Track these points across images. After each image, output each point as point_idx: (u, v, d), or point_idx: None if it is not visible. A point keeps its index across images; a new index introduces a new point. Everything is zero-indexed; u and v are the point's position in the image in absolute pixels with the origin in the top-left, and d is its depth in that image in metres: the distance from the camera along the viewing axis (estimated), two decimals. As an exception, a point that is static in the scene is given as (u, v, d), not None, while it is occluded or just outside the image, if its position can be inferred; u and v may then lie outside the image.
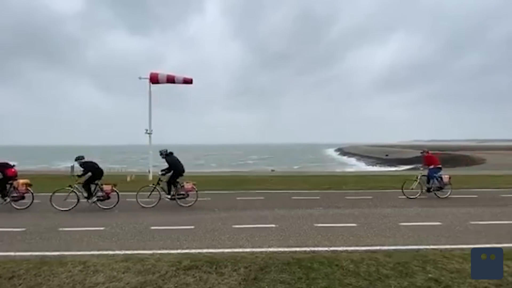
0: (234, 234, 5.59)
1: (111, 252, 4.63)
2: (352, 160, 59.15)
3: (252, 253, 4.52)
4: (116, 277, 3.68)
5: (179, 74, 16.05)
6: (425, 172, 9.77)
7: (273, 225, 6.21)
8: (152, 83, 15.60)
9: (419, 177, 9.74)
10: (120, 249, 4.77)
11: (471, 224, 6.25)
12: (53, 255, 4.51)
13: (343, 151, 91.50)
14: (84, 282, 3.59)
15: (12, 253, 4.62)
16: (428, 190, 9.58)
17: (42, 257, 4.39)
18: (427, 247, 4.80)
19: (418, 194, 9.47)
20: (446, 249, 4.66)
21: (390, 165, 43.27)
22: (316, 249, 4.73)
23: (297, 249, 4.73)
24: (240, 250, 4.70)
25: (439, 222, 6.42)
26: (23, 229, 5.99)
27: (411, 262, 4.05)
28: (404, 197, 9.33)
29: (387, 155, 56.12)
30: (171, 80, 15.72)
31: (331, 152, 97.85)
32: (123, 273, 3.79)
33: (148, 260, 4.19)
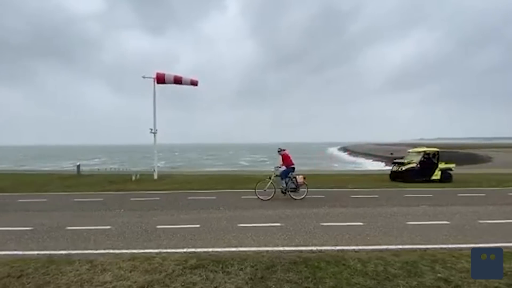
0: (240, 233, 5.58)
1: (118, 251, 4.65)
2: (360, 160, 58.53)
3: (258, 252, 4.51)
4: (123, 276, 3.69)
5: (186, 75, 16.05)
6: (282, 172, 9.24)
7: (279, 224, 6.19)
8: (158, 83, 15.59)
9: (272, 177, 9.28)
10: (127, 248, 4.79)
11: (480, 223, 6.19)
12: (61, 254, 4.54)
13: (346, 150, 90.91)
14: (91, 280, 3.61)
15: (20, 252, 4.67)
16: (283, 191, 9.17)
17: (50, 256, 4.43)
18: (436, 246, 4.75)
19: (272, 195, 9.04)
20: (454, 248, 4.61)
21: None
22: (322, 248, 4.69)
23: (304, 248, 4.71)
24: (246, 249, 4.69)
25: (447, 221, 6.36)
26: (31, 228, 6.05)
27: (419, 261, 4.01)
28: (412, 195, 9.25)
29: (391, 154, 55.77)
30: (178, 81, 15.69)
31: (335, 152, 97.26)
32: (130, 272, 3.81)
33: (154, 259, 4.20)
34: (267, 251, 4.57)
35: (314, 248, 4.70)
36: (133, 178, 14.64)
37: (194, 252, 4.55)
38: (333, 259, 4.12)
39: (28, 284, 3.55)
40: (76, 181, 14.15)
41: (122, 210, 7.77)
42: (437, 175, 12.92)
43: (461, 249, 4.54)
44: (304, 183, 9.08)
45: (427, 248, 4.59)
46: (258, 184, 9.28)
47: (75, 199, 9.36)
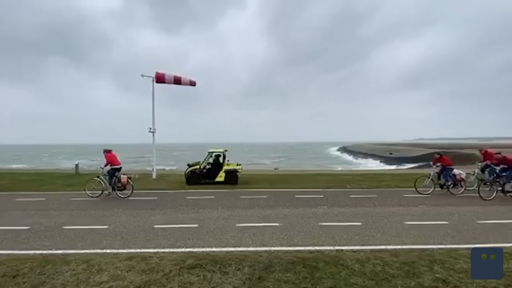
0: (238, 233, 5.56)
1: (115, 251, 4.63)
2: (361, 160, 58.49)
3: (256, 252, 4.49)
4: (120, 276, 3.67)
5: (186, 76, 16.10)
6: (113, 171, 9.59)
7: (277, 224, 6.17)
8: (158, 82, 15.65)
9: (101, 177, 9.65)
10: (124, 248, 4.77)
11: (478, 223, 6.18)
12: (57, 254, 4.52)
13: (346, 150, 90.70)
14: (88, 280, 3.58)
15: (16, 252, 4.64)
16: (113, 189, 9.54)
17: (46, 256, 4.40)
18: (435, 246, 4.73)
19: (100, 193, 9.53)
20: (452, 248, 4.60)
21: (394, 164, 43.05)
22: (321, 248, 4.67)
23: (302, 248, 4.69)
24: (244, 249, 4.67)
25: (446, 221, 6.35)
26: (28, 227, 6.02)
27: (418, 262, 3.99)
28: (411, 195, 9.23)
29: (391, 154, 55.77)
30: (177, 81, 15.90)
31: (334, 151, 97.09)
32: (127, 271, 3.78)
33: (152, 259, 4.18)
34: (265, 251, 4.55)
35: (312, 248, 4.69)
36: (132, 177, 14.59)
37: (192, 252, 4.53)
38: (331, 259, 4.10)
39: (23, 284, 3.52)
40: (75, 180, 14.10)
41: (120, 210, 7.74)
42: (221, 176, 12.29)
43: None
44: (128, 182, 9.54)
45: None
46: (88, 183, 9.76)
47: (73, 198, 9.33)
